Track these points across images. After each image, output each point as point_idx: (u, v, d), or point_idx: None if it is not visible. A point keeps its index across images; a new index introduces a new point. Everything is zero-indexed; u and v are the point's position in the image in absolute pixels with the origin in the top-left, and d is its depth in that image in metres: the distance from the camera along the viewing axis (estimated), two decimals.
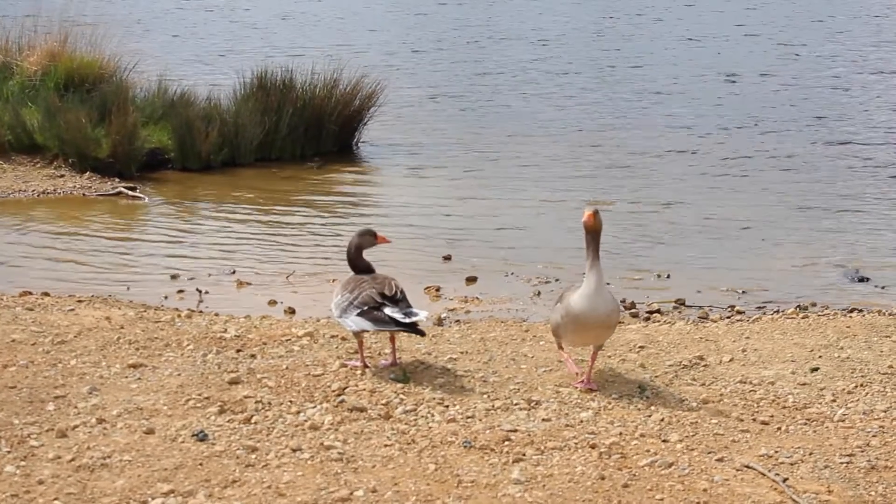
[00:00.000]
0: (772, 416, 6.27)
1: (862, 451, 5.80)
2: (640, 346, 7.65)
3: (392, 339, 7.05)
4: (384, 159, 16.24)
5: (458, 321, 9.10)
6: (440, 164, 15.81)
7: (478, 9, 35.23)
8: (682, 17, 33.14)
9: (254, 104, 15.53)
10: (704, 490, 5.34)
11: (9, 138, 14.81)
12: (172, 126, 15.16)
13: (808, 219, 12.94)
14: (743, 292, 10.26)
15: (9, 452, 5.55)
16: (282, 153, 15.78)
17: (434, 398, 6.40)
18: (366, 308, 6.62)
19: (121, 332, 7.58)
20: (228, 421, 5.99)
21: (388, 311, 6.58)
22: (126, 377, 6.66)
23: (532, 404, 6.35)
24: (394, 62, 23.99)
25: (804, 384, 6.81)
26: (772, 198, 13.92)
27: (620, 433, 5.95)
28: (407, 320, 6.53)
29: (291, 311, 9.49)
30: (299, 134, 15.87)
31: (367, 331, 6.73)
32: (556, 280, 10.49)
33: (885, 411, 6.35)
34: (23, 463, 5.45)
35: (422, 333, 6.70)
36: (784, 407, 6.43)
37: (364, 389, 6.51)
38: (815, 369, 7.10)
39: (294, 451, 5.64)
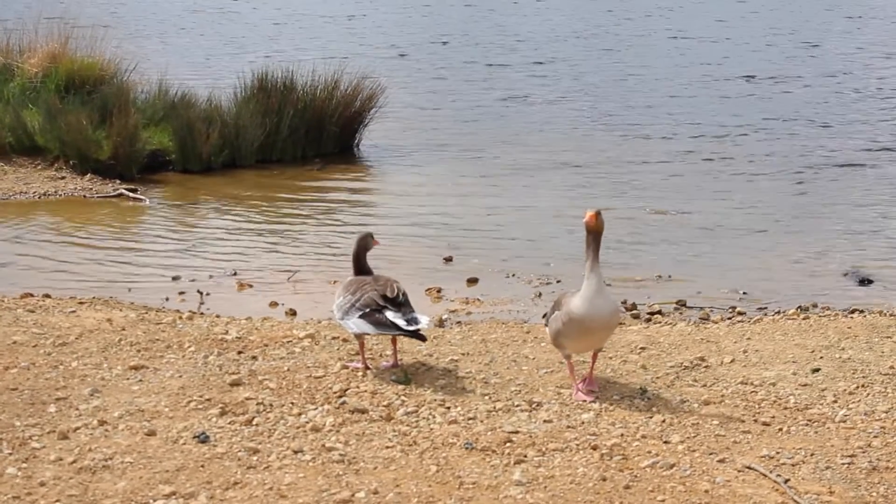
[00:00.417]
0: (773, 417, 6.27)
1: (863, 452, 5.80)
2: (641, 348, 7.65)
3: (393, 342, 7.05)
4: (385, 161, 16.25)
5: (459, 323, 9.10)
6: (441, 165, 15.82)
7: (481, 11, 35.24)
8: (687, 18, 33.14)
9: (255, 106, 15.54)
10: (706, 491, 5.34)
11: (9, 140, 14.81)
12: (173, 128, 15.16)
13: (808, 220, 12.95)
14: (744, 293, 10.27)
15: (10, 454, 5.56)
16: (283, 155, 15.79)
17: (435, 400, 6.40)
18: (367, 310, 6.62)
19: (122, 334, 7.59)
20: (230, 423, 5.99)
21: (390, 315, 6.58)
22: (127, 379, 6.67)
23: (533, 406, 6.35)
24: (395, 63, 24.00)
25: (805, 385, 6.81)
26: (772, 199, 13.92)
27: (622, 434, 5.95)
28: (410, 328, 6.53)
29: (293, 313, 9.49)
30: (300, 135, 15.88)
31: (369, 334, 6.73)
32: (558, 281, 10.49)
33: (886, 412, 6.35)
34: (24, 465, 5.45)
35: (423, 339, 6.70)
36: (785, 408, 6.43)
37: (365, 391, 6.52)
38: (817, 370, 7.10)
39: (295, 452, 5.64)
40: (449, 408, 6.29)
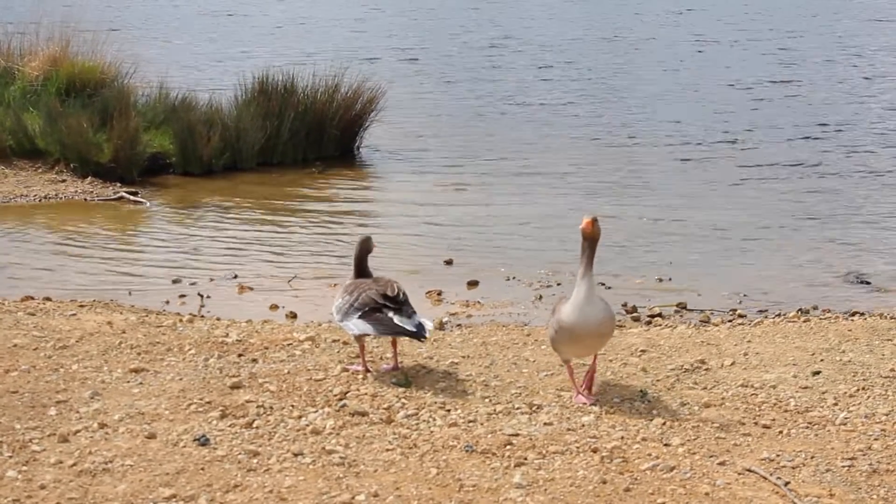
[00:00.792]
0: (773, 420, 6.27)
1: (864, 455, 5.79)
2: (641, 350, 7.65)
3: (394, 344, 7.05)
4: (386, 164, 16.25)
5: (459, 325, 9.10)
6: (441, 168, 15.82)
7: (484, 15, 35.26)
8: (692, 22, 33.15)
9: (255, 109, 15.54)
10: (706, 494, 5.34)
11: (10, 143, 14.81)
12: (174, 130, 15.16)
13: (809, 222, 12.94)
14: (744, 296, 10.26)
15: (10, 457, 5.56)
16: (283, 158, 15.79)
17: (436, 402, 6.40)
18: (367, 309, 6.62)
19: (122, 337, 7.59)
20: (230, 425, 5.99)
21: (390, 314, 6.58)
22: (128, 382, 6.67)
23: (534, 408, 6.35)
24: (396, 67, 24.00)
25: (806, 388, 6.81)
26: (773, 202, 13.92)
27: (622, 437, 5.95)
28: (409, 327, 6.53)
29: (293, 316, 9.48)
30: (301, 138, 15.88)
31: (369, 335, 6.73)
32: (558, 284, 10.49)
33: (886, 415, 6.34)
34: (24, 468, 5.45)
35: (422, 338, 6.68)
36: (786, 410, 6.43)
37: (366, 394, 6.52)
38: (817, 373, 7.09)
39: (296, 455, 5.64)
40: (449, 410, 6.30)
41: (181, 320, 8.47)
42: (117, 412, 6.14)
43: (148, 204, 13.74)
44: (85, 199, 13.82)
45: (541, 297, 10.21)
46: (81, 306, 9.07)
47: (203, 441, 5.76)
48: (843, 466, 5.66)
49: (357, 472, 5.48)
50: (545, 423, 6.13)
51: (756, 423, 6.21)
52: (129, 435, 5.84)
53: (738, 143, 17.11)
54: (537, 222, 12.97)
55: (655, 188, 14.57)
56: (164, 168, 15.14)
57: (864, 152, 16.50)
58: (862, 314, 9.36)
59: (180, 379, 6.72)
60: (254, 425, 6.00)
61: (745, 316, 9.55)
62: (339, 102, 16.17)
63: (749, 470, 5.59)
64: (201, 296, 10.09)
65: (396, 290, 6.73)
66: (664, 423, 6.16)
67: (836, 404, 6.52)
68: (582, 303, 6.22)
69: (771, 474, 5.54)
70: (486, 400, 6.49)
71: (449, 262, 11.32)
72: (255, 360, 7.14)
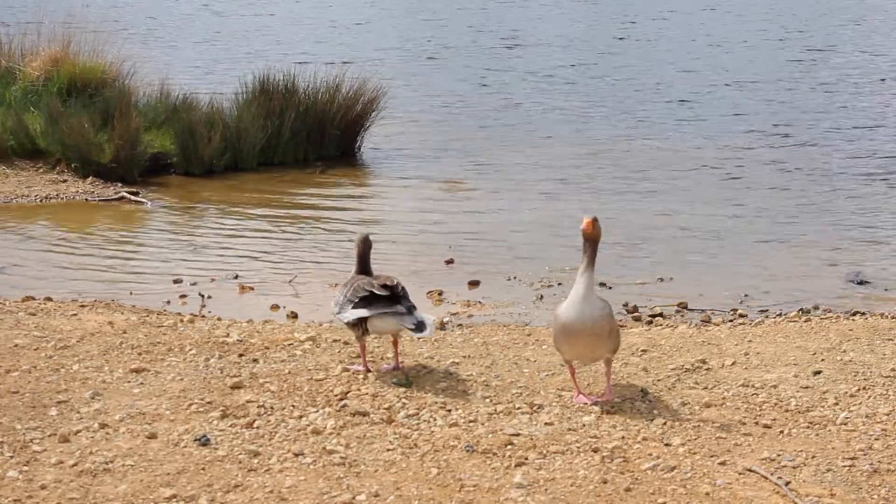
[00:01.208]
0: (774, 420, 6.27)
1: (864, 455, 5.79)
2: (642, 350, 7.65)
3: (394, 344, 7.06)
4: (387, 164, 16.25)
5: (460, 325, 9.09)
6: (443, 168, 15.82)
7: (488, 14, 35.26)
8: (698, 22, 33.13)
9: (256, 109, 15.53)
10: (707, 494, 5.34)
11: (11, 143, 14.82)
12: (175, 131, 15.16)
13: (810, 222, 12.93)
14: (745, 296, 10.26)
15: (11, 457, 5.56)
16: (284, 158, 15.78)
17: (436, 402, 6.40)
18: (363, 296, 6.61)
19: (123, 337, 7.59)
20: (231, 425, 6.00)
21: (384, 303, 6.58)
22: (128, 382, 6.67)
23: (534, 408, 6.35)
24: (398, 67, 24.00)
25: (807, 387, 6.81)
26: (774, 202, 13.91)
27: (623, 437, 5.95)
28: (402, 310, 6.53)
29: (294, 316, 9.48)
30: (302, 138, 15.87)
31: (365, 317, 6.64)
32: (559, 284, 10.49)
33: (887, 414, 6.34)
34: (25, 468, 5.45)
35: (421, 329, 6.62)
36: (786, 410, 6.42)
37: (366, 394, 6.52)
38: (818, 372, 7.09)
39: (296, 455, 5.65)
40: (450, 410, 6.30)
41: (182, 320, 8.47)
42: (118, 412, 6.14)
43: (149, 204, 13.74)
44: (86, 200, 13.83)
45: (542, 297, 10.21)
46: (82, 306, 9.07)
47: (204, 441, 5.76)
48: (844, 466, 5.66)
49: (358, 472, 5.48)
50: (546, 423, 6.13)
51: (757, 423, 6.21)
52: (130, 435, 5.85)
53: (739, 145, 17.09)
54: (538, 222, 12.97)
55: (657, 188, 14.56)
56: (165, 168, 15.14)
57: (865, 153, 16.48)
58: (863, 314, 9.35)
59: (181, 379, 6.72)
60: (254, 425, 6.00)
61: (746, 316, 9.55)
62: (341, 102, 16.17)
63: (750, 470, 5.59)
64: (202, 296, 10.09)
65: (395, 283, 6.73)
66: (665, 423, 6.16)
67: (836, 404, 6.52)
68: (579, 300, 6.19)
69: (772, 474, 5.53)
70: (487, 400, 6.49)
71: (450, 262, 11.32)
72: (255, 360, 7.15)
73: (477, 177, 15.30)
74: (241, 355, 7.25)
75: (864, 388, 6.77)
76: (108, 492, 5.22)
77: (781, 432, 6.10)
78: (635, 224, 12.70)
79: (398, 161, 16.33)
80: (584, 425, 6.12)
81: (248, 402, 6.31)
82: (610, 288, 10.37)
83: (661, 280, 10.75)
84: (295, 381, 6.71)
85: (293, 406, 6.30)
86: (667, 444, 5.88)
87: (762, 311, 9.74)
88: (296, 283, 10.62)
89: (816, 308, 9.78)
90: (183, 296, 10.13)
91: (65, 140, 14.52)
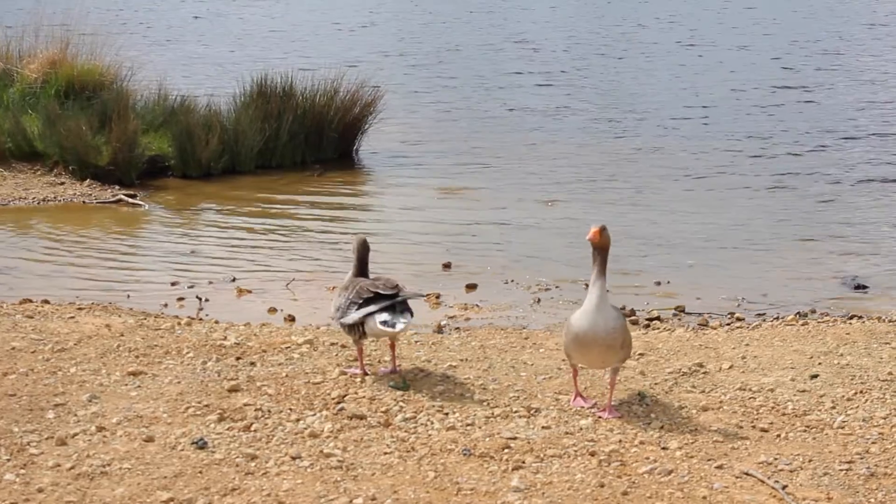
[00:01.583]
0: (771, 423, 6.27)
1: (861, 458, 5.80)
2: (639, 354, 7.65)
3: (392, 347, 7.05)
4: (384, 167, 16.26)
5: (457, 329, 9.10)
6: (440, 171, 15.83)
7: (485, 15, 35.26)
8: (698, 24, 33.15)
9: (254, 111, 15.54)
10: (704, 497, 5.34)
11: (9, 146, 14.83)
12: (173, 133, 15.17)
13: (807, 227, 12.94)
14: (743, 299, 10.26)
15: (8, 460, 5.56)
16: (282, 160, 15.79)
17: (434, 406, 6.40)
18: (366, 298, 6.61)
19: (121, 340, 7.59)
20: (228, 429, 6.00)
21: (383, 301, 6.59)
22: (126, 385, 6.67)
23: (532, 412, 6.36)
24: (396, 70, 24.02)
25: (804, 391, 6.81)
26: (771, 205, 13.93)
27: (620, 441, 5.96)
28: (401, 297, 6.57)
29: (291, 319, 9.48)
30: (300, 141, 15.89)
31: (372, 313, 6.62)
32: (557, 287, 10.49)
33: (884, 418, 6.35)
34: (22, 471, 5.45)
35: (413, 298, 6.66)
36: (783, 414, 6.43)
37: (364, 397, 6.52)
38: (815, 376, 7.10)
39: (294, 458, 5.64)
40: (447, 414, 6.30)
41: (179, 323, 8.47)
42: (115, 415, 6.14)
43: (146, 207, 13.74)
44: (83, 202, 13.83)
45: (539, 300, 10.21)
46: (80, 309, 9.07)
47: (201, 444, 5.76)
48: (841, 470, 5.66)
49: (355, 476, 5.48)
50: (543, 427, 6.13)
51: (754, 427, 6.22)
52: (127, 438, 5.84)
53: (738, 149, 17.11)
54: (536, 226, 12.98)
55: (655, 192, 14.57)
56: (162, 171, 15.14)
57: (867, 161, 16.47)
58: (860, 318, 9.36)
59: (178, 382, 6.72)
60: (252, 428, 6.00)
61: (744, 319, 9.55)
62: (338, 105, 16.18)
63: (747, 473, 5.59)
64: (199, 299, 10.09)
65: (394, 282, 6.73)
66: (662, 427, 6.16)
67: (833, 408, 6.53)
68: (592, 310, 6.14)
69: (769, 478, 5.54)
70: (484, 403, 6.49)
71: (447, 266, 11.32)
72: (253, 364, 7.15)
73: (474, 180, 15.30)
74: (238, 358, 7.25)
75: (861, 392, 6.78)
76: (105, 495, 5.22)
77: (778, 436, 6.11)
78: (633, 228, 12.70)
79: (396, 164, 16.34)
80: (581, 429, 6.12)
81: (245, 405, 6.31)
82: (607, 291, 10.34)
83: (659, 283, 10.75)
84: (292, 384, 6.71)
85: (290, 409, 6.29)
86: (664, 448, 5.88)
87: (759, 315, 9.75)
88: (293, 286, 10.61)
89: (813, 312, 9.79)
90: (180, 299, 10.13)
91: (62, 142, 14.52)
